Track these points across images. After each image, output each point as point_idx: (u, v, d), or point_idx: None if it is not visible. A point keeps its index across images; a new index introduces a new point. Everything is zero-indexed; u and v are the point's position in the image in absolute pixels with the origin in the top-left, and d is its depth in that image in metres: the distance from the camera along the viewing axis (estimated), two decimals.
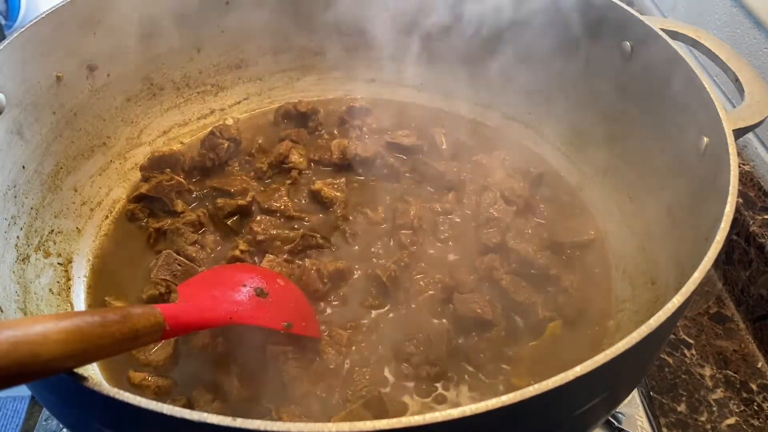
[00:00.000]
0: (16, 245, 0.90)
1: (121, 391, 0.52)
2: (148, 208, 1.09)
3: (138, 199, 1.10)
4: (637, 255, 0.99)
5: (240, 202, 1.07)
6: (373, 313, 0.94)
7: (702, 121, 0.84)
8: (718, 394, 1.03)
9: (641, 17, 0.97)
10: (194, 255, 1.00)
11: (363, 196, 1.12)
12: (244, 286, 0.85)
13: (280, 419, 0.78)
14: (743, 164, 1.25)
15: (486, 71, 1.24)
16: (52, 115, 1.00)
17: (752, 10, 1.26)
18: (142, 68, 1.17)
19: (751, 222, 1.13)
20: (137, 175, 1.14)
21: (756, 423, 1.00)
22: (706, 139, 0.83)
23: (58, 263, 0.98)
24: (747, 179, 1.22)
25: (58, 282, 0.96)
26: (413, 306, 0.94)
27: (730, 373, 1.06)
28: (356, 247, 1.03)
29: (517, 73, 1.21)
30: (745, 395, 1.03)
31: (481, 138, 1.24)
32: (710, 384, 1.05)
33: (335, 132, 1.26)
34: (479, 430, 0.52)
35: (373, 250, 1.02)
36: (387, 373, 0.87)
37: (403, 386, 0.86)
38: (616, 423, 0.94)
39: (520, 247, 0.99)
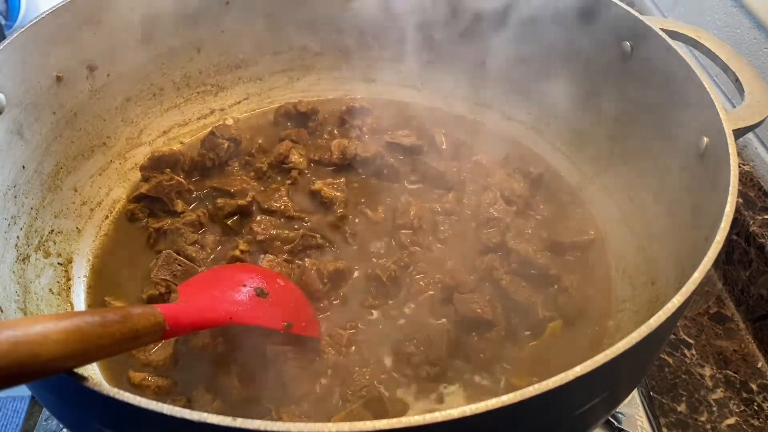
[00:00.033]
0: (16, 245, 0.90)
1: (121, 391, 0.52)
2: (148, 208, 1.09)
3: (138, 199, 1.10)
4: (637, 255, 0.99)
5: (240, 202, 1.07)
6: (373, 313, 0.94)
7: (702, 121, 0.84)
8: (718, 394, 1.03)
9: (641, 17, 0.97)
10: (194, 255, 1.00)
11: (363, 196, 1.12)
12: (244, 286, 0.85)
13: (280, 419, 0.78)
14: (743, 164, 1.25)
15: (486, 71, 1.24)
16: (52, 115, 1.00)
17: (752, 10, 1.26)
18: (142, 68, 1.17)
19: (751, 222, 1.13)
20: (137, 175, 1.14)
21: (756, 423, 1.00)
22: (706, 139, 0.83)
23: (58, 263, 0.98)
24: (747, 179, 1.22)
25: (58, 282, 0.96)
26: (413, 306, 0.94)
27: (730, 373, 1.06)
28: (356, 247, 1.03)
29: (517, 73, 1.21)
30: (745, 395, 1.03)
31: (481, 138, 1.24)
32: (710, 384, 1.05)
33: (335, 132, 1.26)
34: (479, 430, 0.52)
35: (373, 250, 1.02)
36: (387, 373, 0.87)
37: (403, 386, 0.86)
38: (616, 423, 0.94)
39: (520, 247, 0.99)
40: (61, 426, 0.99)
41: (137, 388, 0.85)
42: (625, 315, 0.94)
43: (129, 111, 1.17)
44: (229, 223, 1.06)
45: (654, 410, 0.99)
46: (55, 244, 0.99)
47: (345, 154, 1.17)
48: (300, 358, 0.85)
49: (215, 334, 0.87)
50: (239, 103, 1.32)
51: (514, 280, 0.95)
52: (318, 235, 1.03)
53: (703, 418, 1.00)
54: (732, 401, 1.02)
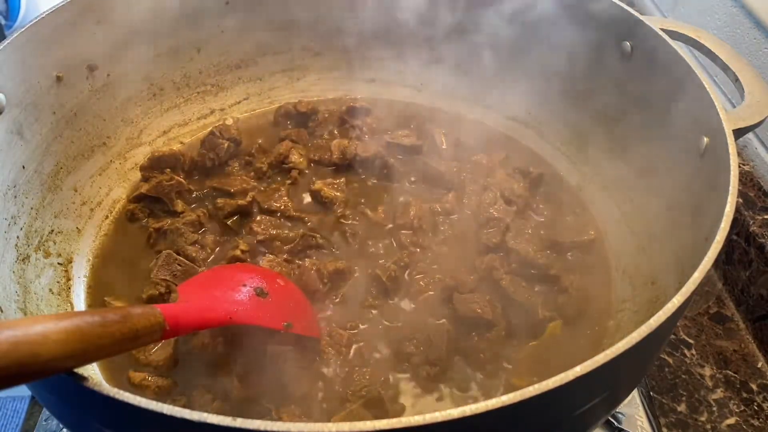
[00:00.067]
0: (16, 245, 0.90)
1: (121, 391, 0.52)
2: (148, 208, 1.09)
3: (138, 199, 1.10)
4: (637, 255, 0.99)
5: (240, 202, 1.07)
6: (373, 313, 0.94)
7: (702, 121, 0.84)
8: (718, 394, 1.03)
9: (641, 17, 0.97)
10: (194, 255, 1.00)
11: (363, 196, 1.12)
12: (244, 286, 0.85)
13: (280, 419, 0.78)
14: (743, 164, 1.25)
15: (486, 71, 1.24)
16: (52, 115, 1.00)
17: (752, 10, 1.26)
18: (142, 68, 1.17)
19: (751, 222, 1.13)
20: (137, 175, 1.14)
21: (756, 423, 1.00)
22: (706, 139, 0.83)
23: (58, 263, 0.98)
24: (747, 179, 1.22)
25: (58, 282, 0.96)
26: (413, 306, 0.94)
27: (730, 373, 1.06)
28: (356, 247, 1.03)
29: (517, 74, 1.21)
30: (745, 395, 1.03)
31: (481, 138, 1.24)
32: (710, 384, 1.05)
33: (335, 132, 1.26)
34: (479, 430, 0.52)
35: (373, 250, 1.02)
36: (387, 373, 0.87)
37: (403, 386, 0.86)
38: (616, 423, 0.94)
39: (520, 247, 0.99)
40: (61, 426, 0.99)
41: (137, 388, 0.85)
42: (625, 315, 0.94)
43: (129, 111, 1.17)
44: (229, 223, 1.06)
45: (654, 410, 0.99)
46: (55, 244, 0.99)
47: (345, 154, 1.17)
48: (300, 358, 0.85)
49: (215, 334, 0.87)
50: (239, 103, 1.32)
51: (514, 280, 0.95)
52: (318, 235, 1.03)
53: (703, 418, 1.00)
54: (732, 401, 1.02)
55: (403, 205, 1.07)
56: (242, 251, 0.99)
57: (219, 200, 1.08)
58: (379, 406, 0.80)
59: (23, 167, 0.94)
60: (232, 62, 1.29)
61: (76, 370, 0.54)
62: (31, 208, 0.95)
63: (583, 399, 0.61)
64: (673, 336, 1.11)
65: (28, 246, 0.93)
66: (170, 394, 0.85)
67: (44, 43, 0.96)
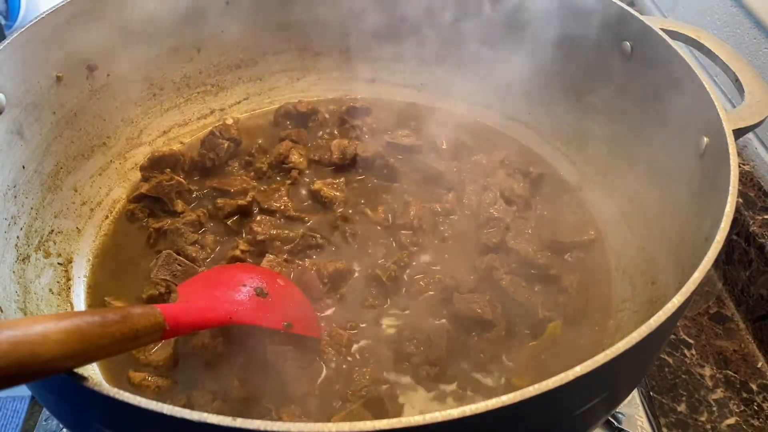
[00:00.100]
0: (16, 245, 0.90)
1: (121, 391, 0.52)
2: (148, 208, 1.09)
3: (138, 199, 1.10)
4: (637, 255, 0.99)
5: (240, 202, 1.07)
6: (373, 313, 0.94)
7: (702, 121, 0.84)
8: (718, 394, 1.03)
9: (641, 17, 0.97)
10: (194, 255, 1.00)
11: (363, 196, 1.12)
12: (244, 286, 0.85)
13: (280, 419, 0.78)
14: (743, 164, 1.25)
15: (486, 71, 1.24)
16: (52, 115, 1.00)
17: (752, 10, 1.26)
18: (142, 68, 1.17)
19: (751, 222, 1.13)
20: (137, 175, 1.14)
21: (756, 423, 1.00)
22: (706, 139, 0.83)
23: (58, 263, 0.98)
24: (747, 179, 1.22)
25: (58, 282, 0.96)
26: (413, 306, 0.94)
27: (730, 373, 1.06)
28: (356, 247, 1.03)
29: (517, 73, 1.21)
30: (745, 395, 1.03)
31: (481, 138, 1.24)
32: (710, 384, 1.05)
33: (335, 132, 1.26)
34: (479, 430, 0.52)
35: (373, 250, 1.02)
36: (387, 373, 0.86)
37: (403, 386, 0.86)
38: (616, 423, 0.94)
39: (520, 247, 0.99)
40: (61, 426, 0.99)
41: (137, 388, 0.85)
42: (625, 315, 0.94)
43: (129, 111, 1.17)
44: (229, 223, 1.06)
45: (654, 410, 0.99)
46: (55, 244, 0.99)
47: (345, 154, 1.17)
48: (300, 358, 0.85)
49: (215, 334, 0.87)
50: (239, 103, 1.32)
51: (514, 280, 0.95)
52: (318, 235, 1.03)
53: (703, 418, 1.00)
54: (732, 401, 1.02)
55: (403, 205, 1.07)
56: (242, 251, 0.99)
57: (219, 200, 1.08)
58: (379, 406, 0.80)
59: (23, 167, 0.94)
60: (232, 62, 1.29)
61: (76, 370, 0.54)
62: (31, 208, 0.95)
63: (583, 399, 0.61)
64: (673, 336, 1.11)
65: (28, 246, 0.93)
66: (170, 394, 0.85)
67: (44, 43, 0.96)
